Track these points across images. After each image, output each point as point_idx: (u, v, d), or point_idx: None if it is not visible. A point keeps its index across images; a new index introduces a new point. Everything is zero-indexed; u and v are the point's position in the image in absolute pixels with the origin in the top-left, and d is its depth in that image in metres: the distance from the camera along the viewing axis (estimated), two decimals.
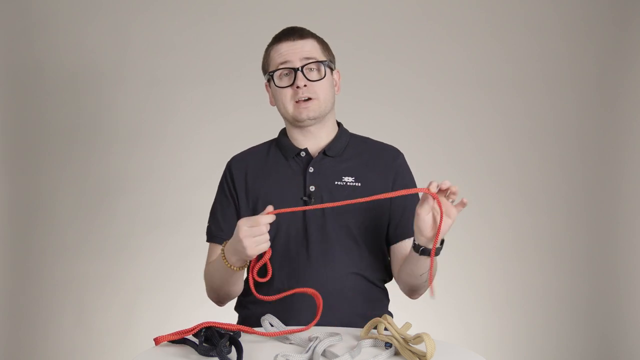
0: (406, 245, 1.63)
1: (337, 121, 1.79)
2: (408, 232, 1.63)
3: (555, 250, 3.01)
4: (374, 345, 1.33)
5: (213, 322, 1.34)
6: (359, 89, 2.82)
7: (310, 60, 1.67)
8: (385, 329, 1.40)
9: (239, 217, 1.65)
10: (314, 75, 1.67)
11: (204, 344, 1.27)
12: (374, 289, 1.70)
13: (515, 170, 3.01)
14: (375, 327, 1.41)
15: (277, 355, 1.19)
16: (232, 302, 1.78)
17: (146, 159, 2.88)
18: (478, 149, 2.99)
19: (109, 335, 2.84)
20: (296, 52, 1.66)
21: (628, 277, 3.03)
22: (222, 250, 1.55)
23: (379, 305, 1.72)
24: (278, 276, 1.63)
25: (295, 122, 1.69)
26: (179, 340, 1.33)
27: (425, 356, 1.20)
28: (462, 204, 1.44)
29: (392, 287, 1.76)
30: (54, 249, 2.84)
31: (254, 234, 1.43)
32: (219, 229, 1.73)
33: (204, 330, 1.32)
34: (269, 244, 1.46)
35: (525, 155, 3.01)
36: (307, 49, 1.68)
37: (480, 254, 2.97)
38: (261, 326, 1.43)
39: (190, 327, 1.34)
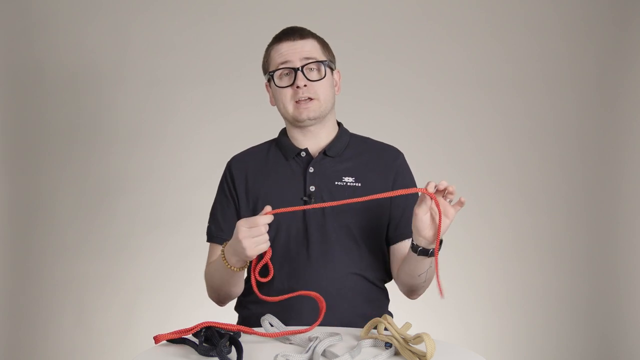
0: (406, 245, 1.63)
1: (337, 121, 1.79)
2: (408, 233, 1.63)
3: (555, 250, 3.01)
4: (374, 345, 1.33)
5: (213, 322, 1.34)
6: (359, 89, 2.82)
7: (311, 60, 1.67)
8: (385, 329, 1.40)
9: (239, 217, 1.66)
10: (314, 75, 1.67)
11: (204, 344, 1.27)
12: (374, 289, 1.70)
13: (515, 170, 3.01)
14: (375, 327, 1.41)
15: (277, 355, 1.19)
16: (232, 302, 1.78)
17: (146, 159, 2.88)
18: (478, 149, 2.99)
19: (109, 335, 2.84)
20: (296, 52, 1.66)
21: (628, 277, 3.03)
22: (222, 251, 1.55)
23: (379, 305, 1.72)
24: (278, 276, 1.62)
25: (295, 122, 1.69)
26: (179, 340, 1.33)
27: (425, 356, 1.21)
28: (460, 204, 1.44)
29: (392, 287, 1.76)
30: (54, 249, 2.84)
31: (253, 234, 1.43)
32: (219, 229, 1.73)
33: (204, 330, 1.32)
34: (268, 244, 1.47)
35: (525, 155, 3.01)
36: (307, 48, 1.68)
37: (480, 254, 2.97)
38: (261, 326, 1.43)
39: (190, 326, 1.34)
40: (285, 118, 1.73)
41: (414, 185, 1.75)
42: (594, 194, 3.04)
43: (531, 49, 3.01)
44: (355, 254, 1.67)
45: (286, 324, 1.47)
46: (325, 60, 1.69)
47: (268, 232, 1.46)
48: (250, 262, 1.53)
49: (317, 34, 1.73)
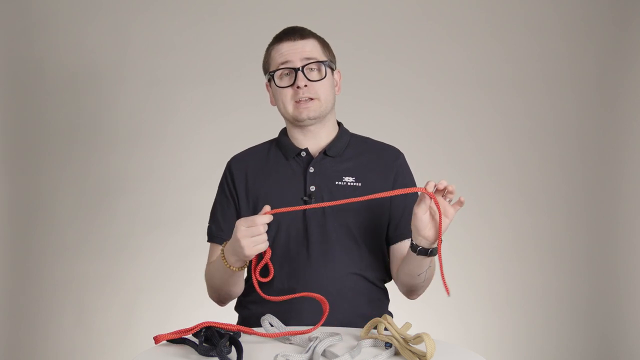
0: (405, 245, 1.63)
1: (337, 121, 1.79)
2: (407, 233, 1.62)
3: (555, 250, 3.01)
4: (374, 345, 1.33)
5: (213, 322, 1.34)
6: (359, 89, 2.82)
7: (311, 61, 1.67)
8: (385, 329, 1.40)
9: (239, 217, 1.65)
10: (314, 75, 1.67)
11: (204, 344, 1.27)
12: (374, 289, 1.70)
13: (515, 170, 3.01)
14: (375, 327, 1.41)
15: (277, 355, 1.19)
16: (233, 302, 1.78)
17: (146, 159, 2.88)
18: (478, 149, 2.99)
19: (109, 335, 2.84)
20: (297, 52, 1.66)
21: (628, 277, 3.03)
22: (222, 250, 1.55)
23: (379, 305, 1.72)
24: (278, 276, 1.62)
25: (295, 122, 1.69)
26: (179, 340, 1.33)
27: (425, 356, 1.21)
28: (460, 203, 1.44)
29: (392, 287, 1.76)
30: (54, 249, 2.84)
31: (252, 233, 1.43)
32: (219, 229, 1.73)
33: (203, 330, 1.32)
34: (267, 244, 1.46)
35: (525, 155, 3.01)
36: (307, 49, 1.68)
37: (480, 254, 2.97)
38: (261, 326, 1.43)
39: (190, 326, 1.34)
40: (285, 118, 1.73)
41: (414, 185, 1.75)
42: (594, 194, 3.04)
43: (531, 49, 3.01)
44: (355, 253, 1.67)
45: (286, 324, 1.47)
46: (326, 61, 1.69)
47: (268, 232, 1.47)
48: (250, 262, 1.53)
49: (318, 34, 1.73)
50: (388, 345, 1.28)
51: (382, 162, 1.72)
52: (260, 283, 1.50)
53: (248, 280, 1.71)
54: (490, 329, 2.96)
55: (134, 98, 2.89)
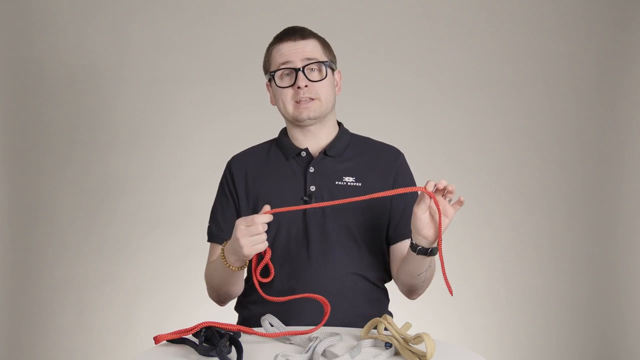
0: (406, 245, 1.63)
1: (337, 121, 1.79)
2: (408, 233, 1.62)
3: (555, 250, 3.01)
4: (374, 345, 1.33)
5: (213, 322, 1.34)
6: (359, 89, 2.82)
7: (312, 61, 1.67)
8: (385, 329, 1.40)
9: (239, 217, 1.65)
10: (315, 75, 1.67)
11: (204, 344, 1.27)
12: (374, 289, 1.70)
13: (515, 170, 3.01)
14: (375, 327, 1.41)
15: (277, 355, 1.19)
16: (232, 302, 1.78)
17: (146, 159, 2.88)
18: (478, 149, 2.99)
19: (109, 335, 2.84)
20: (297, 52, 1.66)
21: (628, 277, 3.03)
22: (222, 250, 1.55)
23: (379, 305, 1.72)
24: (278, 276, 1.62)
25: (295, 122, 1.69)
26: (179, 340, 1.33)
27: (425, 356, 1.21)
28: (460, 203, 1.44)
29: (392, 287, 1.76)
30: (54, 249, 2.84)
31: (251, 233, 1.43)
32: (219, 229, 1.73)
33: (204, 330, 1.32)
34: (266, 244, 1.46)
35: (525, 155, 3.01)
36: (308, 49, 1.67)
37: (480, 254, 2.97)
38: (261, 326, 1.43)
39: (190, 326, 1.34)
40: (285, 118, 1.73)
41: (414, 185, 1.74)
42: (594, 194, 3.04)
43: (531, 49, 3.01)
44: (355, 253, 1.67)
45: (286, 324, 1.47)
46: (327, 61, 1.69)
47: (268, 232, 1.47)
48: (250, 262, 1.53)
49: (319, 34, 1.73)
50: (388, 345, 1.28)
51: (382, 162, 1.72)
52: (260, 283, 1.50)
53: (248, 280, 1.71)
54: (490, 329, 2.96)
55: (134, 98, 2.89)
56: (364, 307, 1.66)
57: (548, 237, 3.01)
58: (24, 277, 2.85)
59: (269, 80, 1.73)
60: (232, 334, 1.31)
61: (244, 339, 1.35)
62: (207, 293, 1.75)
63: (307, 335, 1.36)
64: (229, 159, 1.80)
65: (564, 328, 3.01)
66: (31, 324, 2.84)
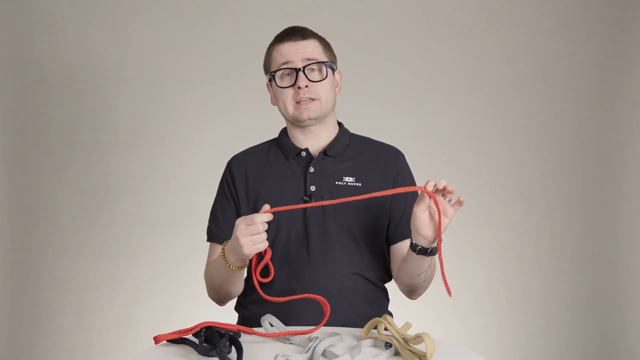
0: (406, 245, 1.63)
1: (338, 121, 1.79)
2: (408, 233, 1.62)
3: (555, 250, 3.01)
4: (374, 345, 1.33)
5: (213, 322, 1.34)
6: (359, 89, 2.82)
7: (312, 61, 1.67)
8: (385, 329, 1.40)
9: (239, 217, 1.65)
10: (315, 75, 1.67)
11: (204, 344, 1.27)
12: (374, 289, 1.70)
13: (515, 170, 3.01)
14: (375, 327, 1.41)
15: (277, 355, 1.19)
16: (232, 302, 1.78)
17: (146, 159, 2.88)
18: (478, 149, 2.99)
19: (109, 335, 2.84)
20: (298, 52, 1.66)
21: (628, 277, 3.03)
22: (222, 249, 1.55)
23: (379, 305, 1.72)
24: (278, 276, 1.62)
25: (295, 122, 1.69)
26: (179, 340, 1.33)
27: (425, 356, 1.21)
28: (459, 203, 1.45)
29: (392, 287, 1.76)
30: (54, 249, 2.84)
31: (251, 232, 1.43)
32: (219, 228, 1.73)
33: (204, 330, 1.32)
34: (266, 243, 1.46)
35: (525, 155, 3.01)
36: (309, 49, 1.67)
37: (480, 254, 2.97)
38: (261, 326, 1.43)
39: (190, 326, 1.34)
40: (285, 118, 1.73)
41: (414, 185, 1.74)
42: (594, 194, 3.04)
43: (531, 49, 3.01)
44: (355, 253, 1.67)
45: (286, 324, 1.47)
46: (327, 61, 1.69)
47: (268, 232, 1.46)
48: (250, 262, 1.53)
49: (319, 34, 1.73)
50: (388, 345, 1.28)
51: (382, 162, 1.73)
52: (260, 283, 1.50)
53: (248, 280, 1.71)
54: (490, 329, 2.96)
55: (134, 98, 2.89)
56: (364, 307, 1.66)
57: (548, 237, 3.01)
58: (24, 277, 2.85)
59: (270, 80, 1.73)
60: (232, 334, 1.31)
61: (244, 339, 1.35)
62: (206, 293, 1.75)
63: (307, 335, 1.36)
64: (229, 159, 1.80)
65: (564, 328, 3.01)
66: (31, 324, 2.84)
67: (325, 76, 1.68)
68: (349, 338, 1.40)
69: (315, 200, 1.65)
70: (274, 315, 1.45)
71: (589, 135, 3.04)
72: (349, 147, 1.74)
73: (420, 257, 1.50)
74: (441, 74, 2.99)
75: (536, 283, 2.99)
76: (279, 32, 1.73)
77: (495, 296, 2.98)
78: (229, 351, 1.25)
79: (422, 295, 1.70)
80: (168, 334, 1.33)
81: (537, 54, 3.01)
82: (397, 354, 1.28)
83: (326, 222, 1.65)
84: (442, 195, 1.44)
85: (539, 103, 3.02)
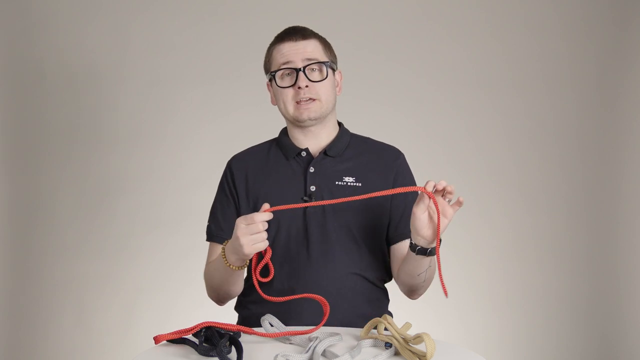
0: (406, 245, 1.63)
1: (338, 121, 1.79)
2: (408, 233, 1.62)
3: (555, 250, 3.01)
4: (374, 345, 1.33)
5: (213, 322, 1.34)
6: (359, 89, 2.82)
7: (312, 61, 1.67)
8: (385, 329, 1.40)
9: (239, 217, 1.65)
10: (315, 76, 1.67)
11: (204, 344, 1.27)
12: (374, 289, 1.70)
13: (515, 170, 3.01)
14: (375, 327, 1.41)
15: (277, 355, 1.19)
16: (232, 302, 1.78)
17: (146, 159, 2.88)
18: (478, 149, 2.99)
19: (109, 335, 2.84)
20: (298, 52, 1.66)
21: (628, 277, 3.03)
22: (223, 249, 1.55)
23: (379, 305, 1.72)
24: (278, 276, 1.62)
25: (296, 122, 1.69)
26: (179, 340, 1.33)
27: (425, 356, 1.21)
28: (459, 203, 1.45)
29: (392, 287, 1.76)
30: (54, 249, 2.84)
31: (251, 231, 1.43)
32: (219, 228, 1.73)
33: (204, 330, 1.32)
34: (266, 243, 1.46)
35: (525, 155, 3.01)
36: (309, 49, 1.67)
37: (480, 254, 2.97)
38: (261, 326, 1.43)
39: (190, 326, 1.34)
40: (286, 118, 1.73)
41: (414, 185, 1.74)
42: (594, 194, 3.04)
43: (531, 49, 3.01)
44: (355, 254, 1.67)
45: (286, 324, 1.47)
46: (327, 61, 1.69)
47: (268, 232, 1.46)
48: (250, 261, 1.53)
49: (320, 34, 1.73)
50: (388, 345, 1.28)
51: (382, 162, 1.73)
52: (260, 283, 1.50)
53: (248, 280, 1.71)
54: (490, 329, 2.96)
55: (134, 98, 2.89)
56: (364, 307, 1.66)
57: (548, 237, 3.01)
58: (24, 277, 2.85)
59: (270, 80, 1.73)
60: (232, 334, 1.31)
61: (244, 339, 1.35)
62: (206, 293, 1.75)
63: (307, 335, 1.36)
64: (229, 159, 1.80)
65: (564, 328, 3.01)
66: (31, 324, 2.84)
67: (325, 76, 1.68)
68: (349, 338, 1.40)
69: (316, 200, 1.65)
70: (273, 315, 1.45)
71: (589, 135, 3.04)
72: (349, 147, 1.74)
73: (419, 257, 1.51)
74: (441, 74, 2.99)
75: (536, 283, 2.99)
76: (279, 32, 1.73)
77: (495, 296, 2.98)
78: (229, 351, 1.25)
79: (422, 296, 1.70)
80: (168, 334, 1.33)
81: (537, 54, 3.01)
82: (397, 354, 1.28)
83: (326, 222, 1.65)
84: (442, 196, 1.44)
85: (539, 103, 3.02)
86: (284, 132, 1.77)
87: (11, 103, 2.86)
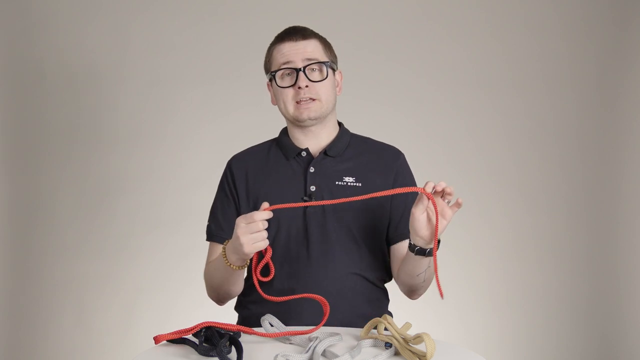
0: (406, 245, 1.63)
1: (338, 121, 1.79)
2: (408, 233, 1.62)
3: (555, 250, 3.01)
4: (374, 345, 1.33)
5: (213, 322, 1.34)
6: (359, 89, 2.82)
7: (313, 61, 1.67)
8: (385, 329, 1.40)
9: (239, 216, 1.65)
10: (315, 76, 1.67)
11: (204, 344, 1.27)
12: (373, 289, 1.70)
13: (515, 170, 3.01)
14: (375, 327, 1.41)
15: (277, 355, 1.19)
16: (232, 302, 1.78)
17: (146, 159, 2.88)
18: (478, 149, 2.99)
19: (109, 335, 2.84)
20: (298, 52, 1.66)
21: (628, 277, 3.03)
22: (224, 249, 1.55)
23: (379, 305, 1.72)
24: (278, 276, 1.62)
25: (296, 122, 1.70)
26: (179, 340, 1.33)
27: (425, 356, 1.21)
28: (458, 205, 1.44)
29: (392, 287, 1.76)
30: (54, 249, 2.84)
31: (252, 230, 1.43)
32: (219, 228, 1.73)
33: (204, 330, 1.32)
34: (266, 242, 1.46)
35: (525, 155, 3.01)
36: (309, 49, 1.68)
37: (480, 254, 2.97)
38: (261, 326, 1.43)
39: (190, 326, 1.34)
40: (286, 118, 1.73)
41: (414, 185, 1.75)
42: (594, 194, 3.04)
43: (531, 49, 3.01)
44: (355, 254, 1.67)
45: (286, 324, 1.47)
46: (327, 62, 1.69)
47: (268, 231, 1.46)
48: (251, 261, 1.53)
49: (320, 34, 1.73)
50: (388, 345, 1.28)
51: (382, 162, 1.73)
52: (260, 283, 1.50)
53: (248, 280, 1.71)
54: (490, 329, 2.96)
55: (134, 98, 2.89)
56: (364, 307, 1.66)
57: (548, 237, 3.01)
58: (24, 277, 2.85)
59: (270, 80, 1.73)
60: (232, 334, 1.31)
61: (244, 339, 1.35)
62: (206, 293, 1.75)
63: (307, 335, 1.36)
64: (229, 159, 1.80)
65: (564, 328, 3.01)
66: (31, 324, 2.84)
67: (325, 76, 1.68)
68: (349, 338, 1.40)
69: (316, 200, 1.65)
70: (273, 315, 1.45)
71: (589, 135, 3.04)
72: (349, 147, 1.74)
73: (418, 257, 1.51)
74: (441, 74, 2.99)
75: (536, 283, 2.99)
76: (279, 32, 1.73)
77: (495, 296, 2.98)
78: (229, 351, 1.25)
79: (422, 296, 1.70)
80: (168, 334, 1.33)
81: (537, 54, 3.01)
82: (397, 354, 1.28)
83: (326, 222, 1.65)
84: (441, 197, 1.44)
85: (539, 103, 3.02)
86: (284, 132, 1.77)
87: (11, 103, 2.86)
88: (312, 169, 1.69)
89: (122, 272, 2.85)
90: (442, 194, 1.43)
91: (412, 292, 1.68)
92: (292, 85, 1.67)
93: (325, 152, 1.70)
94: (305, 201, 1.65)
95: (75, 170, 2.86)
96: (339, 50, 1.79)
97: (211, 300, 1.76)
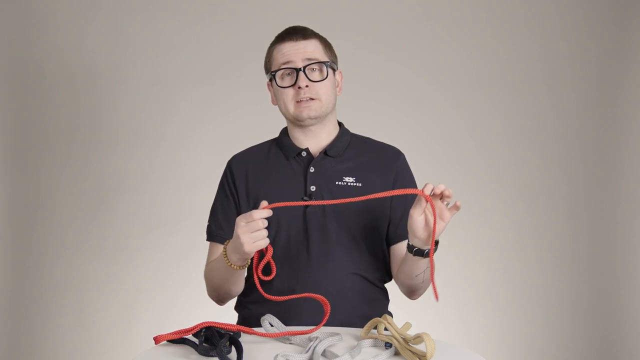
0: (405, 246, 1.63)
1: (338, 121, 1.79)
2: (407, 234, 1.63)
3: (555, 250, 3.01)
4: (374, 345, 1.33)
5: (213, 322, 1.34)
6: (359, 89, 2.82)
7: (313, 61, 1.67)
8: (385, 329, 1.40)
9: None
10: (316, 75, 1.68)
11: (204, 344, 1.27)
12: (373, 289, 1.70)
13: (515, 170, 3.01)
14: (375, 327, 1.41)
15: (277, 355, 1.19)
16: (232, 302, 1.78)
17: (146, 159, 2.88)
18: (478, 149, 2.99)
19: (109, 335, 2.84)
20: (299, 52, 1.66)
21: (628, 277, 3.03)
22: (224, 249, 1.55)
23: (379, 305, 1.72)
24: (278, 276, 1.62)
25: (296, 121, 1.70)
26: (179, 340, 1.33)
27: (425, 356, 1.21)
28: (456, 207, 1.44)
29: (392, 287, 1.76)
30: (54, 249, 2.84)
31: (251, 229, 1.43)
32: (219, 228, 1.73)
33: (204, 330, 1.32)
34: (267, 240, 1.46)
35: (525, 155, 3.01)
36: (309, 49, 1.68)
37: (480, 254, 2.97)
38: (261, 326, 1.43)
39: (190, 326, 1.34)
40: (286, 117, 1.73)
41: (414, 185, 1.75)
42: (594, 194, 3.04)
43: (531, 49, 3.01)
44: (355, 254, 1.67)
45: (286, 324, 1.47)
46: (328, 61, 1.69)
47: (268, 231, 1.46)
48: (251, 261, 1.53)
49: (320, 34, 1.73)
50: (388, 345, 1.28)
51: (382, 163, 1.73)
52: (260, 282, 1.50)
53: (248, 280, 1.72)
54: (490, 329, 2.96)
55: (134, 98, 2.89)
56: (364, 307, 1.66)
57: (548, 237, 3.01)
58: (24, 277, 2.85)
59: (270, 80, 1.73)
60: (232, 334, 1.31)
61: (244, 339, 1.35)
62: (206, 293, 1.75)
63: (307, 335, 1.36)
64: (229, 159, 1.81)
65: (564, 328, 3.01)
66: (31, 324, 2.84)
67: (325, 76, 1.68)
68: (349, 338, 1.40)
69: (316, 200, 1.65)
70: (273, 315, 1.45)
71: (589, 135, 3.04)
72: (350, 147, 1.74)
73: (417, 258, 1.51)
74: (441, 74, 2.99)
75: (536, 283, 2.99)
76: (279, 32, 1.73)
77: (495, 296, 2.98)
78: (229, 351, 1.25)
79: (422, 296, 1.70)
80: (168, 334, 1.33)
81: (537, 54, 3.01)
82: (397, 354, 1.28)
83: (326, 222, 1.65)
84: (440, 199, 1.44)
85: (539, 103, 3.02)
86: (284, 132, 1.77)
87: (11, 103, 2.86)
88: (312, 169, 1.69)
89: (122, 272, 2.85)
90: (441, 196, 1.43)
91: (411, 292, 1.68)
92: (292, 85, 1.67)
93: (325, 152, 1.70)
94: (305, 201, 1.65)
95: (75, 170, 2.86)
96: (339, 50, 1.79)
97: (211, 300, 1.76)
